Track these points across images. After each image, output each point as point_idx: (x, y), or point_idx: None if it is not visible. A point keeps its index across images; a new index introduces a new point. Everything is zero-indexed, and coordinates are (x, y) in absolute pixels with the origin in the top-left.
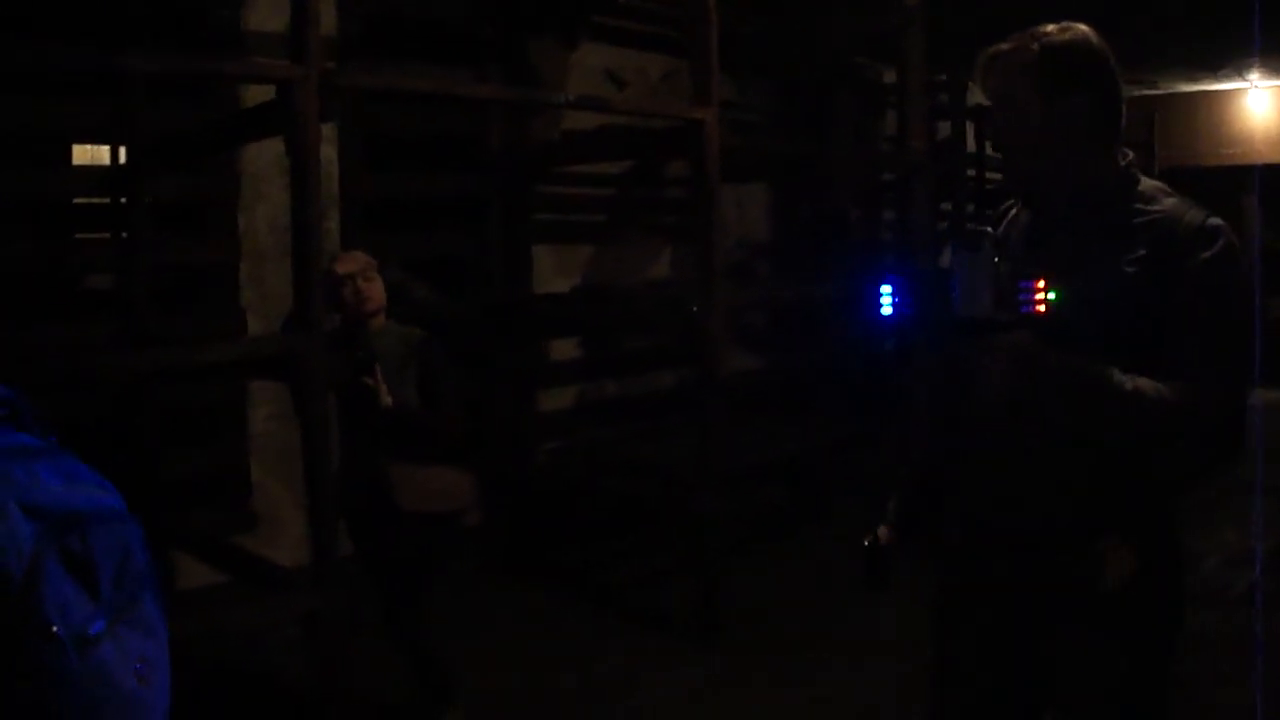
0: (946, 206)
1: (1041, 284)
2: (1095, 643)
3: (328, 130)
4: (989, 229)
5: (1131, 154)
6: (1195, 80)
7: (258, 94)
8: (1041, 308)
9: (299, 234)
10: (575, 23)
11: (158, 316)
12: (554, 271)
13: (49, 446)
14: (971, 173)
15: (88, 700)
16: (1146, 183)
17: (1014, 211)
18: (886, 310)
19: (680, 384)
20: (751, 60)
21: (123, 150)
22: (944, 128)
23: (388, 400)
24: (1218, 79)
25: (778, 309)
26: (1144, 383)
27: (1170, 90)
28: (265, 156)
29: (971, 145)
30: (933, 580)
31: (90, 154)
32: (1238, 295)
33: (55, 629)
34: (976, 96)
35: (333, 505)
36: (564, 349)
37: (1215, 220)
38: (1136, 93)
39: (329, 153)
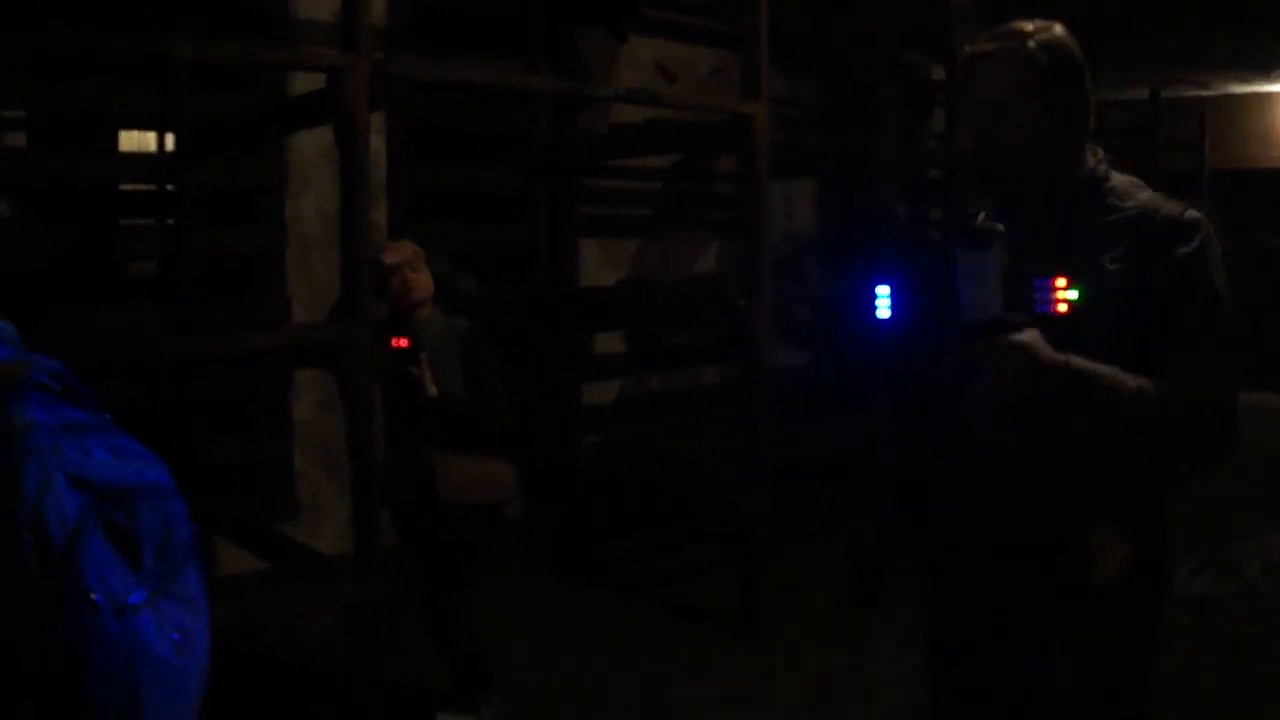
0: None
1: (1062, 282)
2: (1085, 648)
3: (376, 120)
4: (998, 226)
5: (1102, 151)
6: (1247, 81)
7: (304, 82)
8: (1063, 307)
9: (347, 223)
10: (625, 16)
11: (204, 304)
12: (600, 265)
13: (100, 422)
14: None
15: (124, 665)
16: (1118, 178)
17: (982, 216)
18: (883, 313)
19: (725, 379)
20: (800, 56)
21: (169, 137)
22: None
23: (433, 390)
24: (1270, 80)
25: (823, 305)
26: (1144, 382)
27: (1221, 91)
28: (313, 145)
29: None
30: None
31: (136, 141)
32: (1222, 288)
33: (94, 595)
34: None
35: (376, 494)
36: (609, 343)
37: (1193, 213)
38: (1187, 94)
39: (377, 142)
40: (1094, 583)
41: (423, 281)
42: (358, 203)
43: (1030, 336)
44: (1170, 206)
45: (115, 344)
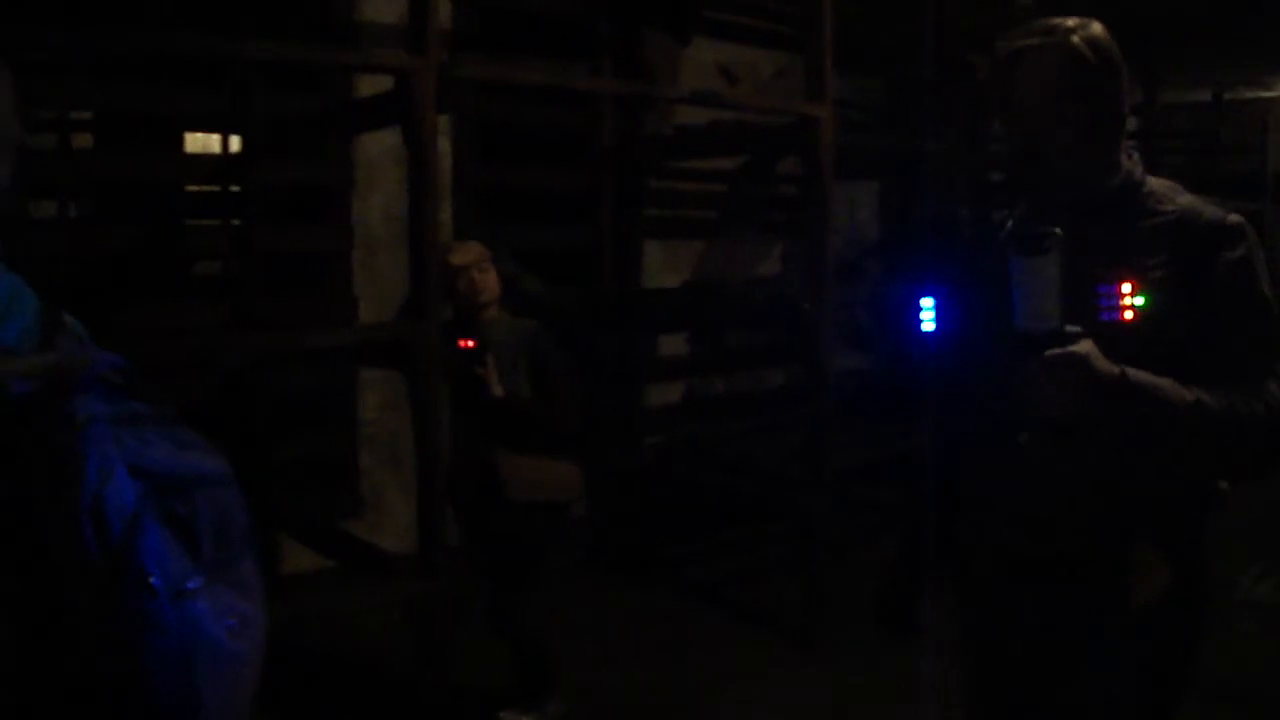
0: None
1: (1128, 288)
2: (1123, 668)
3: (442, 121)
4: (1056, 229)
5: (1137, 154)
6: None
7: (370, 84)
8: (1129, 314)
9: (415, 224)
10: (688, 18)
11: (270, 303)
12: (663, 266)
13: (161, 414)
14: None
15: (179, 646)
16: (1154, 182)
17: (1010, 222)
18: (928, 326)
19: (789, 382)
20: (863, 58)
21: (233, 139)
22: None
23: (499, 390)
24: None
25: (884, 308)
26: (1201, 394)
27: None
28: (379, 146)
29: None
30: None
31: (200, 143)
32: (1270, 295)
33: (152, 579)
34: None
35: (442, 492)
36: (672, 344)
37: (1237, 217)
38: (1249, 95)
39: (443, 144)
40: (1135, 603)
41: (490, 282)
42: (426, 204)
43: (1087, 348)
44: (1212, 211)
45: (187, 340)
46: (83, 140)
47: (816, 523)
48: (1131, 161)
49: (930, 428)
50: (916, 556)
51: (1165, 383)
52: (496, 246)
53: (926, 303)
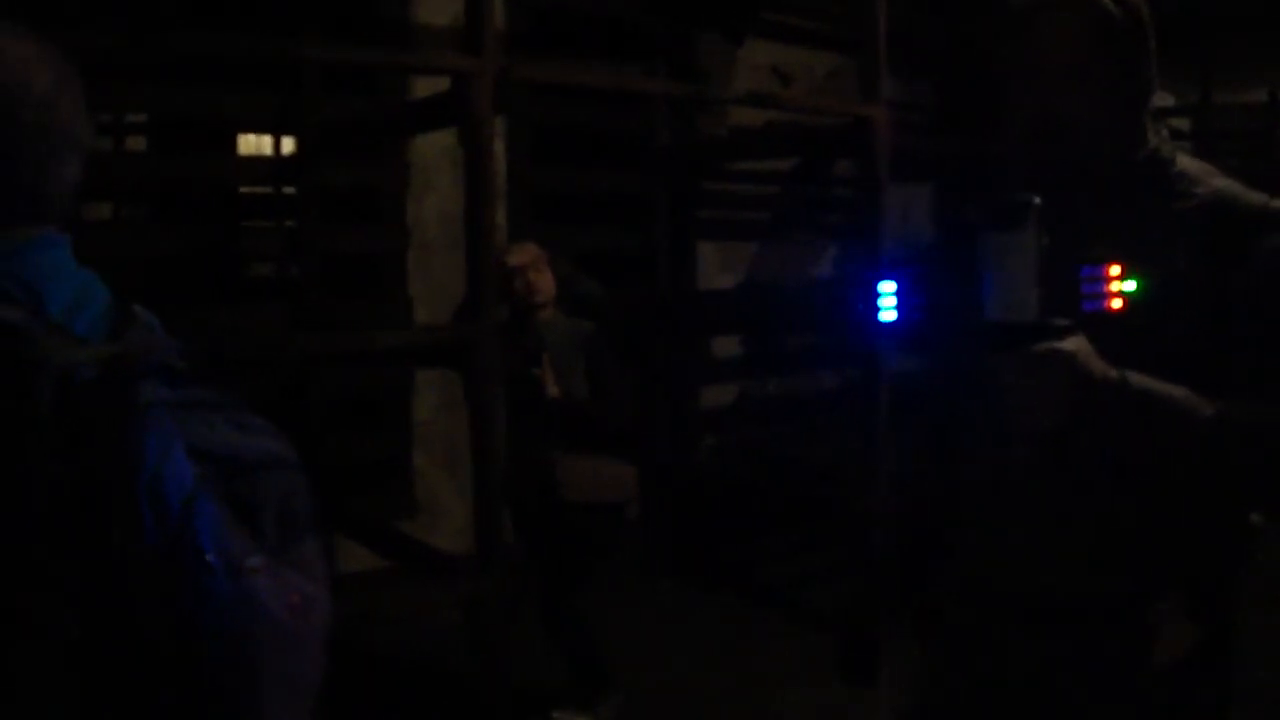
0: None
1: (1116, 269)
2: None
3: (497, 123)
4: (1035, 198)
5: (1166, 130)
6: None
7: (424, 86)
8: (1117, 302)
9: (472, 225)
10: (742, 19)
11: (327, 304)
12: (718, 268)
13: (226, 400)
14: None
15: (237, 623)
16: (1186, 161)
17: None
18: (888, 315)
19: (844, 383)
20: (916, 60)
21: (285, 140)
22: None
23: (554, 391)
24: None
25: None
26: (1225, 407)
27: None
28: (435, 148)
29: None
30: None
31: (253, 145)
32: None
33: (209, 556)
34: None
35: (498, 491)
36: (727, 345)
37: (1278, 204)
38: None
39: (497, 145)
40: (1154, 662)
41: (546, 284)
42: (482, 205)
43: (1076, 345)
44: (1254, 195)
45: (247, 339)
46: (136, 143)
47: (874, 522)
48: (1160, 137)
49: (889, 439)
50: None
51: (1179, 391)
52: (552, 248)
53: (886, 287)
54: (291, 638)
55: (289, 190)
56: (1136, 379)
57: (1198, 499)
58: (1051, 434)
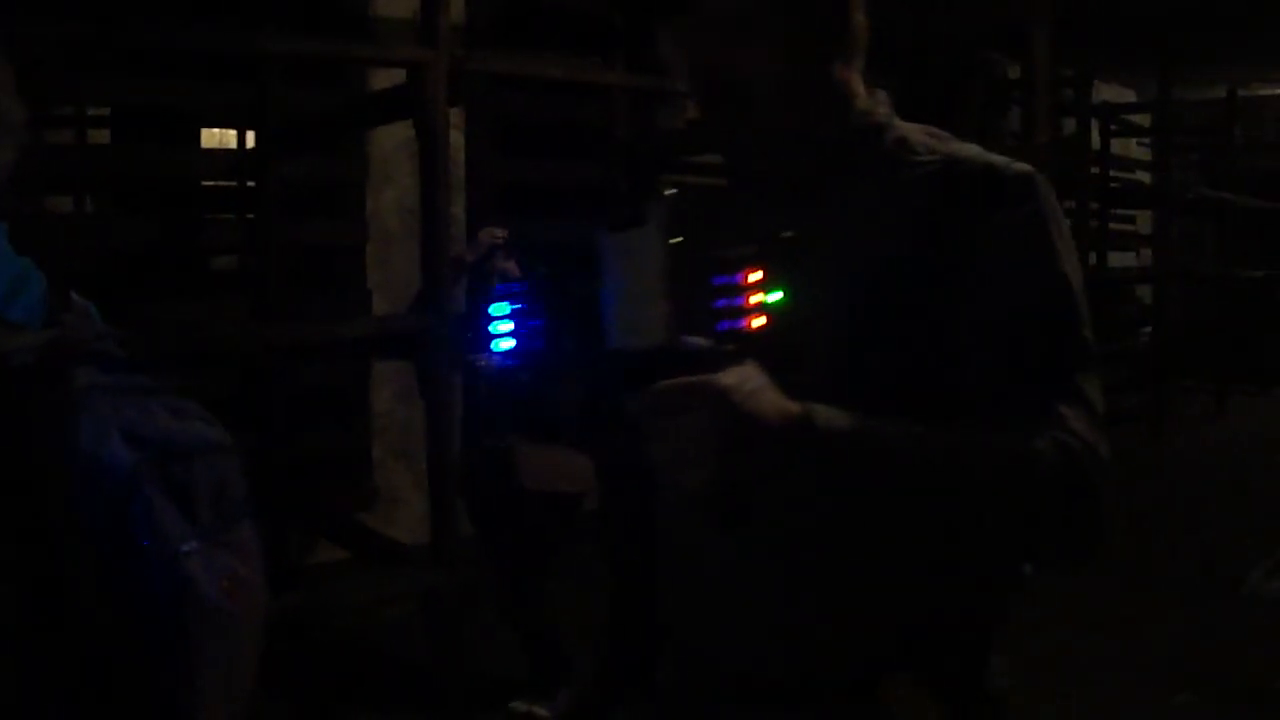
0: (1070, 205)
1: (755, 276)
2: None
3: (455, 115)
4: (670, 190)
5: (884, 93)
6: None
7: (384, 79)
8: (758, 320)
9: (428, 216)
10: None
11: (285, 296)
12: None
13: (163, 387)
14: (1096, 171)
15: (173, 607)
16: (908, 127)
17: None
18: (504, 344)
19: None
20: (879, 55)
21: (249, 134)
22: (1069, 125)
23: None
24: None
25: None
26: (962, 436)
27: None
28: (394, 140)
29: (1096, 143)
30: None
31: (217, 138)
32: (1073, 276)
33: (144, 540)
34: (1103, 93)
35: (453, 482)
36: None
37: (1022, 167)
38: (1264, 92)
39: (456, 138)
40: None
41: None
42: (437, 196)
43: (737, 377)
44: (985, 160)
45: (204, 331)
46: (99, 136)
47: None
48: (873, 100)
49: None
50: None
51: (892, 429)
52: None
53: (499, 309)
54: (226, 620)
55: (251, 184)
56: (825, 415)
57: (934, 554)
58: (717, 491)
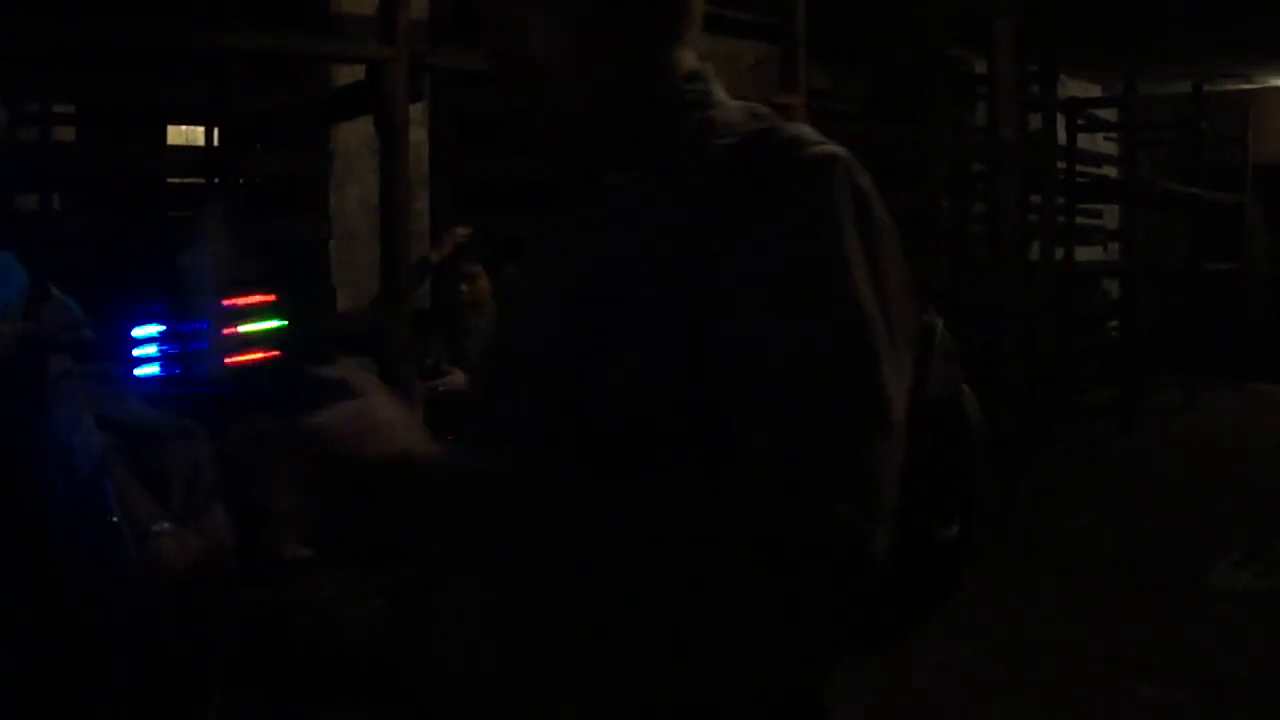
0: (1036, 200)
1: (253, 299)
2: None
3: (418, 112)
4: (221, 201)
5: (710, 67)
6: None
7: (348, 76)
8: (251, 354)
9: (388, 213)
10: None
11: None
12: None
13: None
14: (1063, 165)
15: (142, 583)
16: (726, 108)
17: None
18: (149, 369)
19: None
20: (841, 47)
21: (217, 131)
22: (1035, 120)
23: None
24: None
25: None
26: (631, 487)
27: (1265, 85)
28: (357, 137)
29: (1063, 138)
30: None
31: (185, 135)
32: (864, 297)
33: (114, 518)
34: (1070, 89)
35: None
36: None
37: (823, 150)
38: (1230, 86)
39: (420, 134)
40: None
41: (487, 292)
42: (398, 192)
43: (334, 416)
44: (791, 140)
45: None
46: (65, 133)
47: None
48: (691, 78)
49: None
50: None
51: (529, 471)
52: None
53: (146, 333)
54: (195, 599)
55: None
56: (431, 460)
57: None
58: (304, 520)
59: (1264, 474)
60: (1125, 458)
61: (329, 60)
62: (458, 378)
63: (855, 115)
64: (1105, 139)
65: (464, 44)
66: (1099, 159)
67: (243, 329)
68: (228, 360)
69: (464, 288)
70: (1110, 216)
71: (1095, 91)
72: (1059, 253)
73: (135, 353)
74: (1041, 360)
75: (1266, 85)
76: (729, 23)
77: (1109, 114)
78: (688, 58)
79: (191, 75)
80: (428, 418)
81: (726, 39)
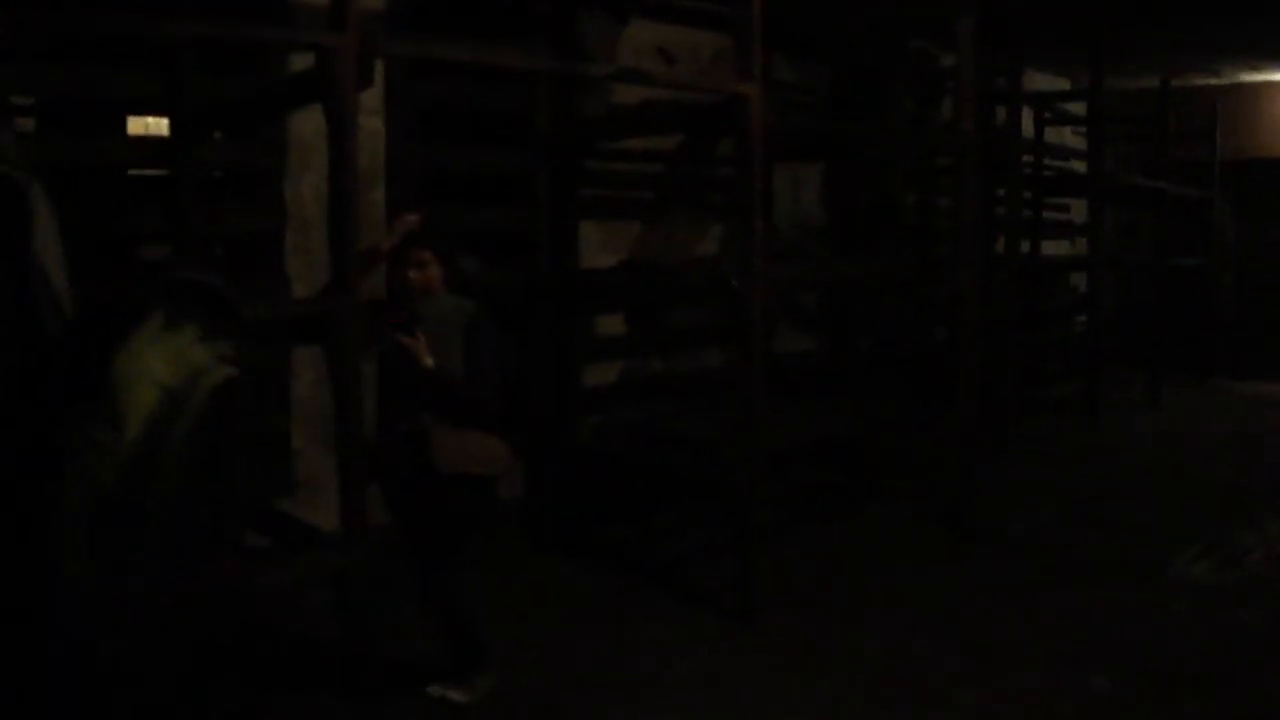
0: (1001, 192)
1: None
2: None
3: (375, 103)
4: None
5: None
6: (1259, 70)
7: (303, 64)
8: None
9: (337, 200)
10: None
11: None
12: (601, 247)
13: None
14: (1029, 159)
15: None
16: None
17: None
18: None
19: (728, 362)
20: (806, 41)
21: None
22: (1002, 114)
23: (428, 362)
24: None
25: (830, 291)
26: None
27: (1233, 80)
28: (312, 127)
29: (1029, 131)
30: None
31: (151, 127)
32: None
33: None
34: (1037, 83)
35: (364, 466)
36: (610, 324)
37: None
38: (1198, 82)
39: (376, 125)
40: None
41: (438, 279)
42: (345, 179)
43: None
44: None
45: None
46: (25, 124)
47: (748, 499)
48: None
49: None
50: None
51: None
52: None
53: None
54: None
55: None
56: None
57: None
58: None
59: (1225, 469)
60: (1087, 451)
61: (278, 48)
62: (421, 342)
63: (818, 108)
64: (1073, 133)
65: (419, 35)
66: (1066, 153)
67: None
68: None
69: (413, 274)
70: (1078, 211)
71: (1063, 85)
72: (1025, 246)
73: None
74: (1004, 354)
75: (1235, 81)
76: (691, 13)
77: (1077, 108)
78: None
79: (151, 65)
80: (383, 363)
81: (686, 30)
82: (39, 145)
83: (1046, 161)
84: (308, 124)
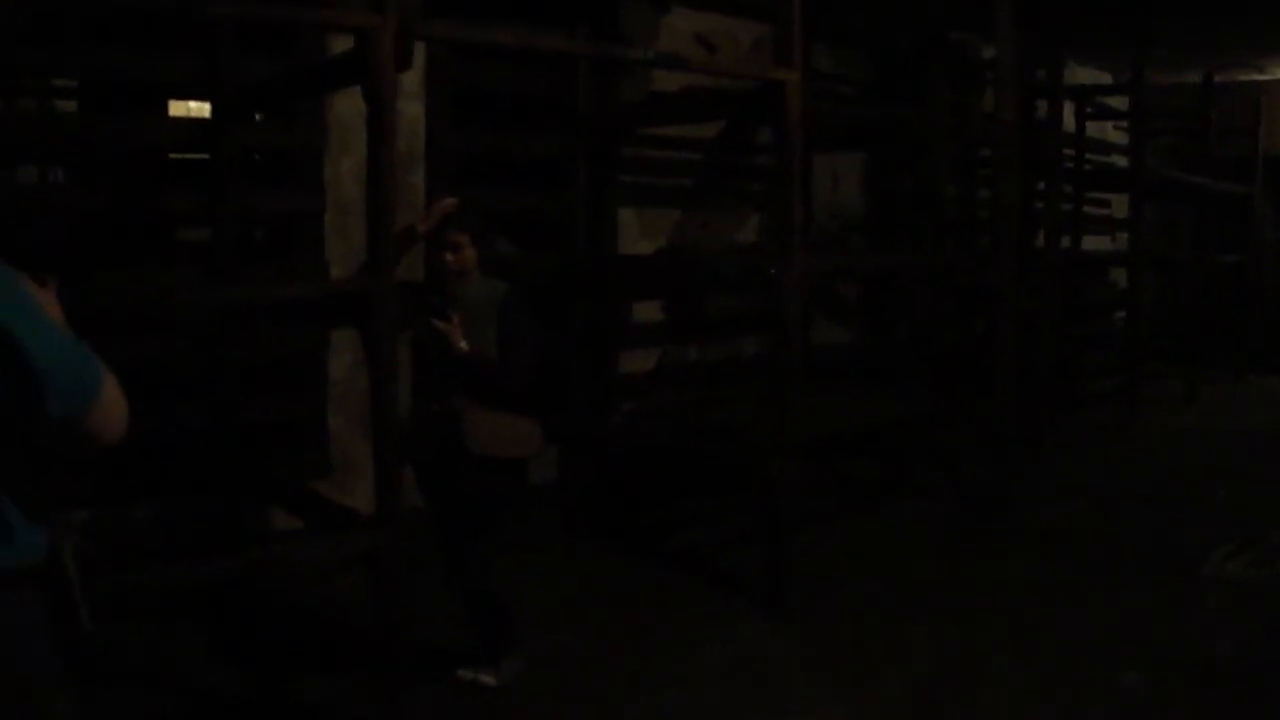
0: (1041, 186)
1: None
2: None
3: (415, 86)
4: None
5: None
6: None
7: (341, 46)
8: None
9: (375, 182)
10: None
11: (242, 264)
12: (639, 234)
13: None
14: (1070, 153)
15: None
16: None
17: None
18: None
19: (763, 350)
20: (847, 31)
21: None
22: (1043, 107)
23: (462, 345)
24: None
25: (869, 282)
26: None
27: (1276, 76)
28: (352, 109)
29: (1070, 125)
30: None
31: (193, 109)
32: None
33: None
34: (1079, 76)
35: (397, 446)
36: (646, 311)
37: None
38: (1241, 77)
39: (416, 109)
40: None
41: (473, 261)
42: (383, 160)
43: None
44: None
45: (150, 294)
46: (67, 105)
47: (781, 488)
48: None
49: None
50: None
51: None
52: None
53: None
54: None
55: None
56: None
57: None
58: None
59: (1262, 465)
60: (1125, 447)
61: (316, 29)
62: (455, 325)
63: (859, 98)
64: (1115, 128)
65: (461, 18)
66: (1107, 148)
67: None
68: None
69: (449, 256)
70: (1119, 206)
71: (1105, 79)
72: (1066, 241)
73: None
74: (1045, 348)
75: (1278, 77)
76: (731, 2)
77: (1119, 103)
78: None
79: (192, 49)
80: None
81: (726, 18)
82: (82, 127)
83: (1087, 156)
84: (347, 106)
